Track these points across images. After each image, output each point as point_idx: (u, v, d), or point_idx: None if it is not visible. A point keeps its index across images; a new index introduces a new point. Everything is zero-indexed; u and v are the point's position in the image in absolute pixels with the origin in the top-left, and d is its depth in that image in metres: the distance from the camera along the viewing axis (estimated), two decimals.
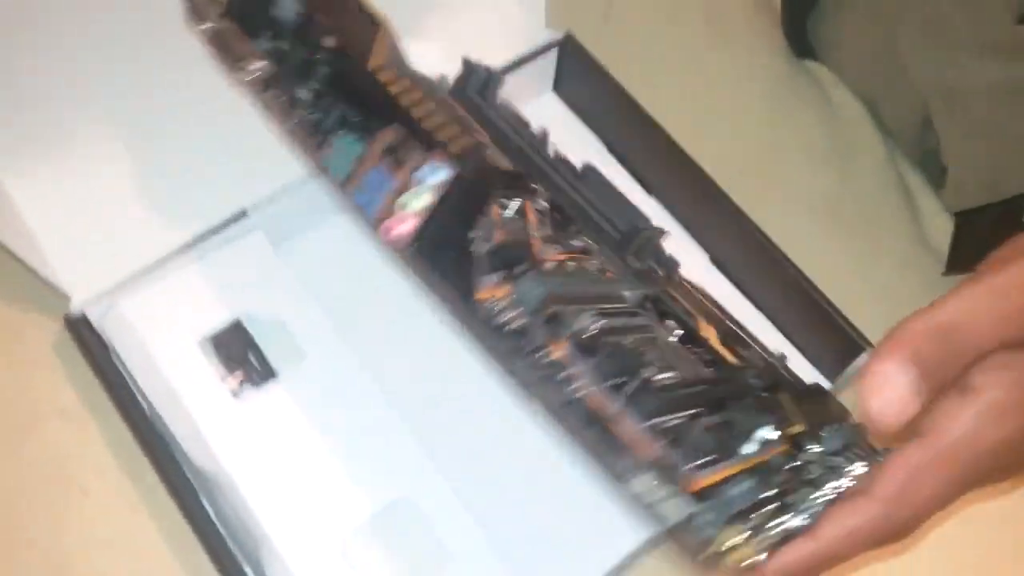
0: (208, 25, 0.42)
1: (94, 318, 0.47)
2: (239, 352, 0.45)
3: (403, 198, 0.37)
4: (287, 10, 0.41)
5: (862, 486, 0.32)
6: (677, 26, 0.62)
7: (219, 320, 0.47)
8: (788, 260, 0.50)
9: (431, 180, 0.37)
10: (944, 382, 0.30)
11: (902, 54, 0.56)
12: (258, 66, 0.41)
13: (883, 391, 0.29)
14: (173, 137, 0.51)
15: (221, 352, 0.45)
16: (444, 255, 0.36)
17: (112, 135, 0.50)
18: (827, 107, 0.60)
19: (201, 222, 0.49)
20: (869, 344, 0.48)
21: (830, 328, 0.49)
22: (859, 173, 0.59)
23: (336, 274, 0.50)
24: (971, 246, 0.54)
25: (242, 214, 0.50)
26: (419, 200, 0.37)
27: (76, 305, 0.47)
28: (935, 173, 0.58)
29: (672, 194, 0.55)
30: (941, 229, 0.57)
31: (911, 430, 0.31)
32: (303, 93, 0.40)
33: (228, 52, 0.41)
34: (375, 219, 0.37)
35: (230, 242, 0.49)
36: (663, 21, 0.62)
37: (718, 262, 0.54)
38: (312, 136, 0.39)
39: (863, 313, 0.49)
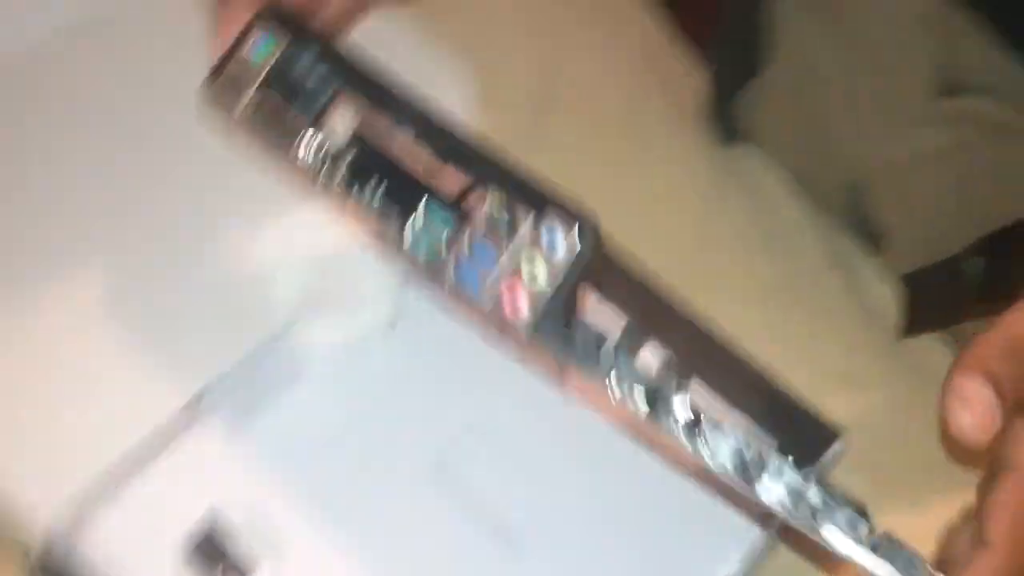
0: (247, 100, 0.41)
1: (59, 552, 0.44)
2: (217, 553, 0.44)
3: (524, 269, 0.36)
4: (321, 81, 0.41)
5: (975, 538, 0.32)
6: (601, 128, 0.63)
7: (193, 518, 0.45)
8: (745, 357, 0.51)
9: (553, 245, 0.36)
10: (1017, 399, 0.31)
11: (829, 129, 0.58)
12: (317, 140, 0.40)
13: (973, 409, 0.31)
14: (112, 329, 0.50)
15: (199, 558, 0.44)
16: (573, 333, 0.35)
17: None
18: (759, 191, 0.62)
19: (157, 413, 0.48)
20: (838, 432, 0.49)
21: (799, 420, 0.50)
22: (797, 254, 0.60)
23: (308, 444, 0.49)
24: (922, 307, 0.56)
25: (200, 396, 0.48)
26: (540, 270, 0.36)
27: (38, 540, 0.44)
28: (871, 240, 0.60)
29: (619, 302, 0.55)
30: (886, 297, 0.58)
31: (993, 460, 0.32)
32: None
33: (277, 127, 0.41)
34: (486, 298, 0.36)
35: (191, 429, 0.48)
36: (587, 125, 0.63)
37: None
38: (387, 213, 0.38)
39: (827, 397, 0.50)
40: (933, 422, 0.49)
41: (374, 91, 0.41)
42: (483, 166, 0.38)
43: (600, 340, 0.37)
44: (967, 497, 0.35)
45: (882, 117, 0.55)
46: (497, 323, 0.38)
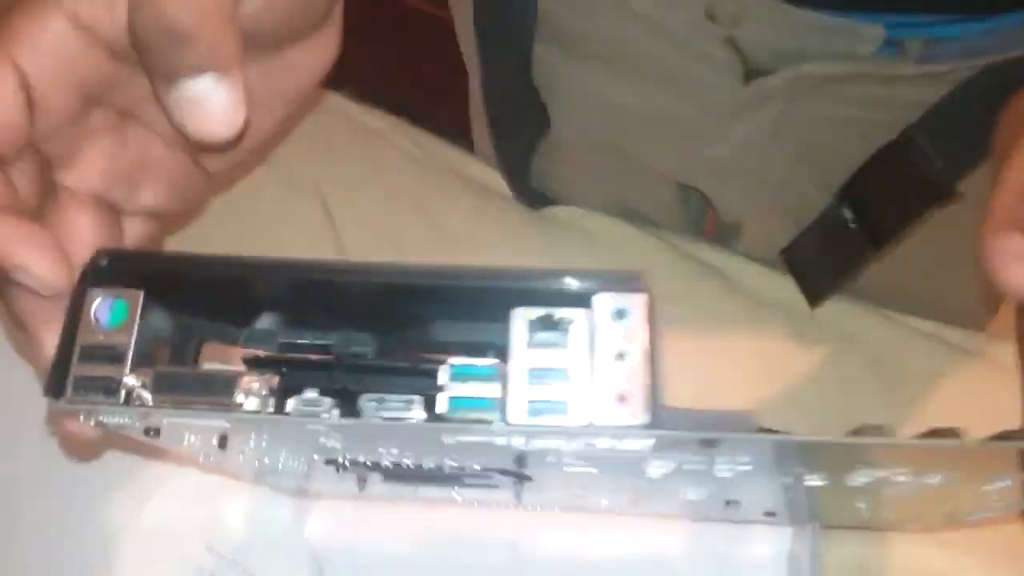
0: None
1: None
2: None
3: None
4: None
5: None
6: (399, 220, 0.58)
7: None
8: None
9: None
10: None
11: (640, 155, 0.56)
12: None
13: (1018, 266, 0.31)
14: None
15: None
16: None
17: None
18: (589, 239, 0.58)
19: None
20: None
21: None
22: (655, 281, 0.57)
23: None
24: (813, 275, 0.55)
25: None
26: None
27: None
28: (725, 235, 0.59)
29: None
30: (753, 273, 0.57)
31: None
32: None
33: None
34: None
35: None
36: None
37: None
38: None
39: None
40: None
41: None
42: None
43: None
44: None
45: (688, 123, 0.55)
46: None
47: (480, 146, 0.64)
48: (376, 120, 0.63)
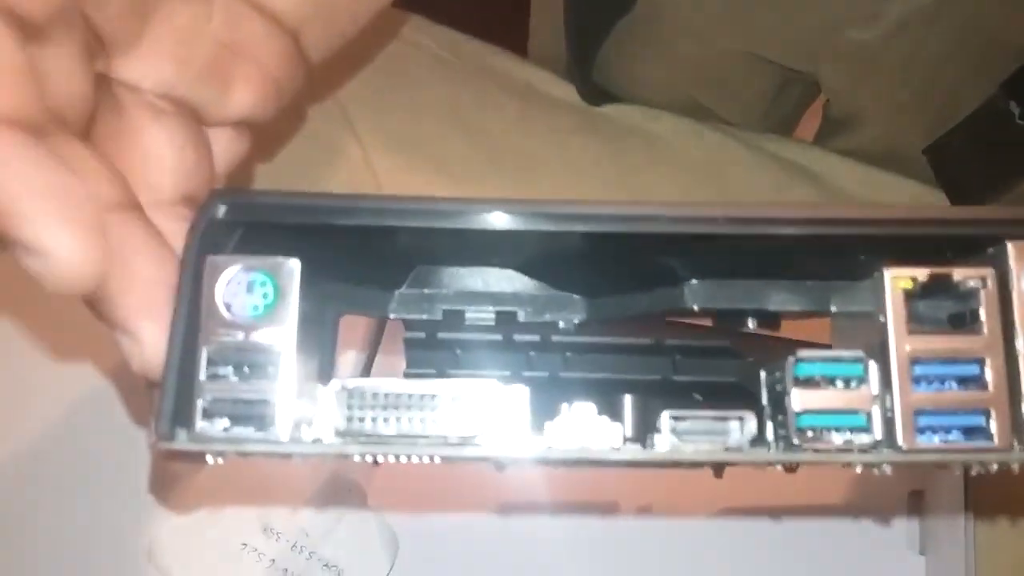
0: None
1: None
2: None
3: None
4: None
5: None
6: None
7: None
8: None
9: None
10: None
11: (754, 37, 0.48)
12: None
13: None
14: None
15: None
16: None
17: None
18: (653, 143, 0.49)
19: None
20: None
21: None
22: (734, 185, 0.48)
23: None
24: (964, 174, 0.47)
25: None
26: None
27: None
28: (829, 131, 0.52)
29: None
30: (855, 176, 0.49)
31: None
32: None
33: None
34: None
35: None
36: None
37: None
38: None
39: None
40: None
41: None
42: None
43: None
44: None
45: (832, 4, 0.45)
46: None
47: (538, 36, 0.53)
48: (395, 21, 0.51)
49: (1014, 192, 0.48)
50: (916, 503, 0.41)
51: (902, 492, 0.41)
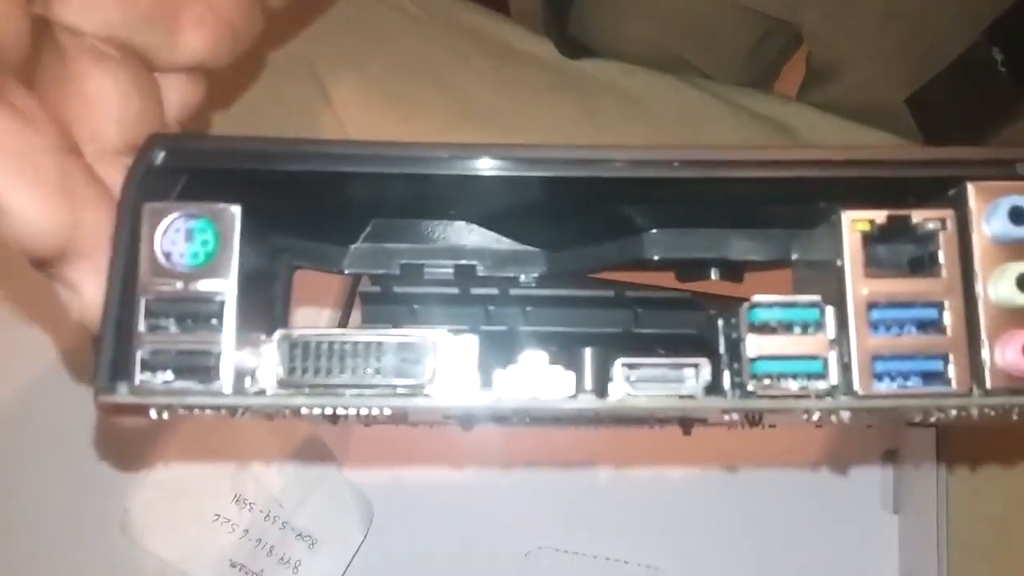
0: None
1: None
2: None
3: None
4: None
5: None
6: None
7: None
8: None
9: None
10: None
11: None
12: None
13: None
14: None
15: None
16: None
17: None
18: (630, 99, 0.49)
19: None
20: None
21: None
22: (709, 141, 0.48)
23: None
24: (946, 123, 0.47)
25: None
26: None
27: None
28: (812, 80, 0.51)
29: None
30: (834, 130, 0.49)
31: None
32: None
33: None
34: None
35: None
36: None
37: None
38: None
39: None
40: None
41: None
42: None
43: None
44: None
45: None
46: None
47: None
48: None
49: (996, 140, 0.47)
50: (890, 462, 0.41)
51: (877, 451, 0.41)
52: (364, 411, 0.19)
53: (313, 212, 0.23)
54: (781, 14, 0.50)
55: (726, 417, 0.20)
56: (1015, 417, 0.20)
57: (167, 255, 0.18)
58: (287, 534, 0.37)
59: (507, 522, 0.39)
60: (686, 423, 0.27)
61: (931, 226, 0.19)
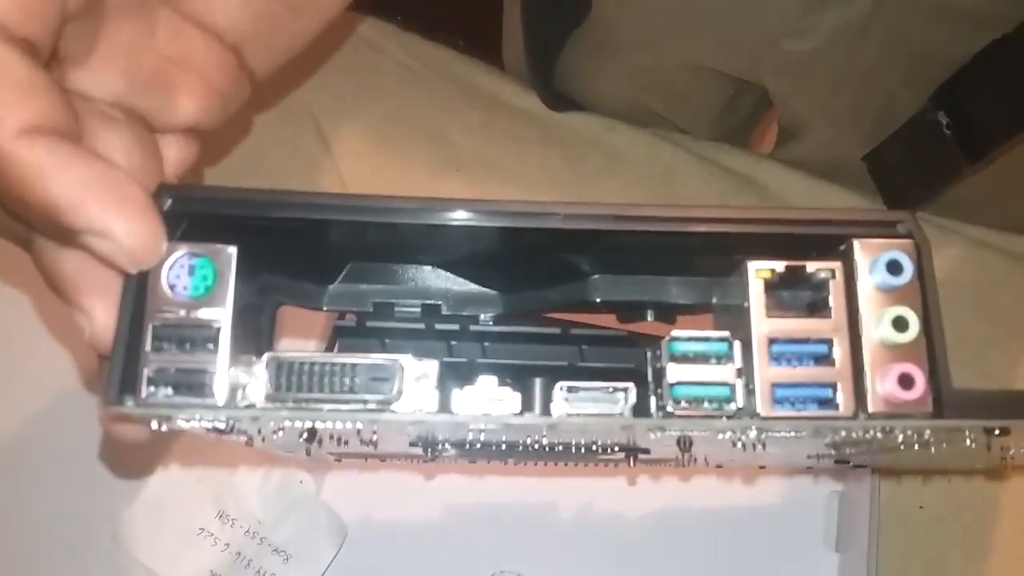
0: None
1: None
2: None
3: None
4: None
5: None
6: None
7: None
8: None
9: None
10: None
11: (701, 50, 0.50)
12: None
13: None
14: None
15: None
16: None
17: None
18: (611, 154, 0.52)
19: None
20: None
21: None
22: (682, 195, 0.51)
23: None
24: (898, 182, 0.50)
25: None
26: None
27: None
28: (780, 140, 0.54)
29: None
30: (800, 187, 0.52)
31: None
32: None
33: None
34: None
35: None
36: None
37: None
38: None
39: None
40: None
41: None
42: None
43: None
44: None
45: (767, 15, 0.47)
46: None
47: (510, 44, 0.56)
48: (366, 28, 0.54)
49: (944, 197, 0.50)
50: (835, 503, 0.44)
51: (823, 492, 0.44)
52: (339, 425, 0.22)
53: (297, 255, 0.26)
54: (744, 76, 0.53)
55: (652, 437, 0.23)
56: (900, 439, 0.23)
57: (172, 287, 0.22)
58: (264, 549, 0.39)
59: (471, 546, 0.41)
60: (630, 452, 0.31)
61: (823, 275, 0.22)
